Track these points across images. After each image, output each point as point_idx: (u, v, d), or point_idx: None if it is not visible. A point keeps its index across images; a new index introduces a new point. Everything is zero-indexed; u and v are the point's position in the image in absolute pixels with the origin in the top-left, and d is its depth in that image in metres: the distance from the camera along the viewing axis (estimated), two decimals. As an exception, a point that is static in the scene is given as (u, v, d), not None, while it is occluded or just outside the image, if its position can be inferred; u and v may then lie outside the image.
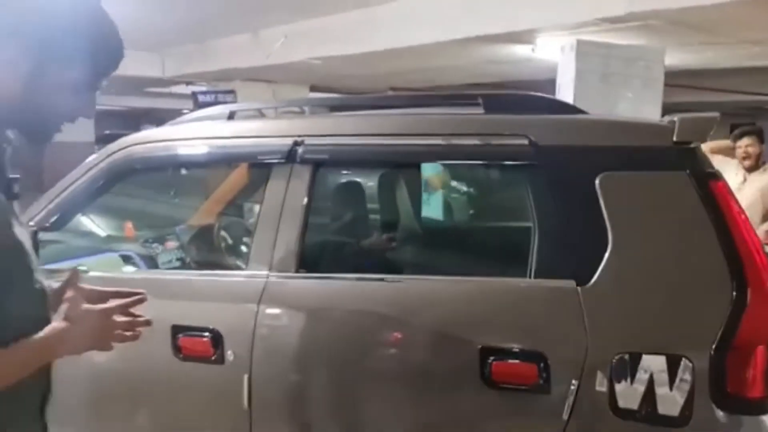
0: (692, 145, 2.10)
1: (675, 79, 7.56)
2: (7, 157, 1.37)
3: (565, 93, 5.66)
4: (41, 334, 1.36)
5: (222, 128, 2.77)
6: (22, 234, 1.37)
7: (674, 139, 2.08)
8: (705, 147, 2.35)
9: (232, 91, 10.58)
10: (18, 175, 1.39)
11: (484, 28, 6.14)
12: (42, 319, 1.41)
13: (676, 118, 2.11)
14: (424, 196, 6.15)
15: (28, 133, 1.37)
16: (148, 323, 1.54)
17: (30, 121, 1.34)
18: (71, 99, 1.34)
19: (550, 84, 6.05)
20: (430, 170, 6.05)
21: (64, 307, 1.42)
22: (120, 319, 1.48)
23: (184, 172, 2.86)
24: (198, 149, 2.73)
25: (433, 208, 6.05)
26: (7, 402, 1.31)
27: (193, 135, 2.78)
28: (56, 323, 1.40)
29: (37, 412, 1.44)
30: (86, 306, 1.43)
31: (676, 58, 6.78)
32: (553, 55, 6.14)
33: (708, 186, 2.04)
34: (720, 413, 1.90)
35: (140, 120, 19.00)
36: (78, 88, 1.34)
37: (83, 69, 1.32)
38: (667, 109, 2.60)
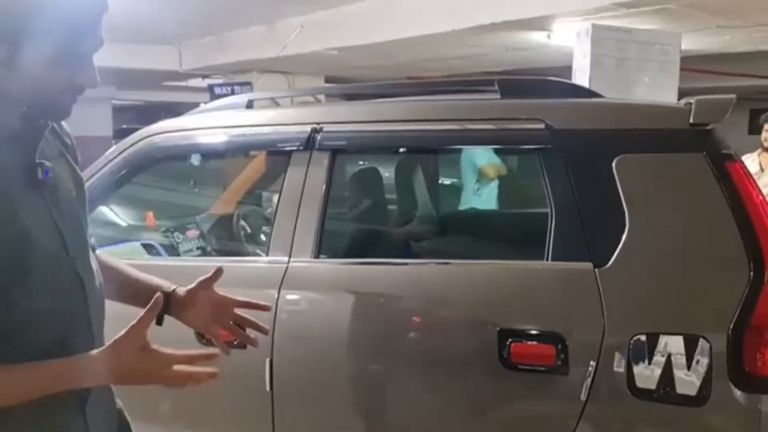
0: (709, 127, 2.11)
1: (692, 63, 7.49)
2: (39, 144, 1.32)
3: (581, 78, 5.64)
4: (61, 361, 1.27)
5: (241, 117, 2.80)
6: (42, 220, 1.30)
7: (691, 121, 2.09)
8: None
9: (248, 83, 10.60)
10: (44, 161, 1.32)
11: (499, 15, 6.11)
12: (78, 314, 1.35)
13: (692, 100, 2.12)
14: (475, 186, 5.96)
15: (43, 114, 1.32)
16: (212, 376, 1.40)
17: (35, 103, 1.28)
18: (64, 70, 1.26)
19: (567, 71, 6.02)
20: (484, 159, 5.78)
21: (122, 332, 1.30)
22: (181, 367, 1.35)
23: (204, 161, 2.90)
24: (218, 138, 2.77)
25: (484, 200, 5.81)
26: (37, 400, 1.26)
27: (213, 124, 2.82)
28: (90, 354, 1.30)
29: (75, 405, 1.37)
30: (147, 347, 1.30)
31: (692, 42, 6.71)
32: (570, 42, 6.11)
33: (725, 167, 2.04)
34: (737, 392, 1.91)
35: (157, 114, 19.02)
36: (67, 56, 1.25)
37: (62, 37, 1.24)
38: (684, 94, 2.59)
